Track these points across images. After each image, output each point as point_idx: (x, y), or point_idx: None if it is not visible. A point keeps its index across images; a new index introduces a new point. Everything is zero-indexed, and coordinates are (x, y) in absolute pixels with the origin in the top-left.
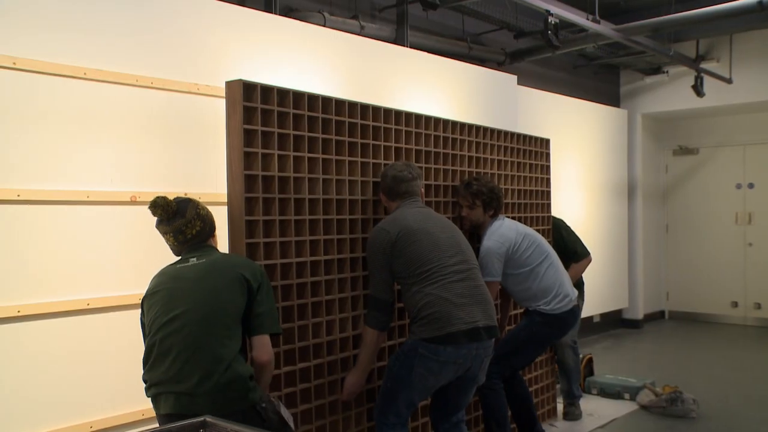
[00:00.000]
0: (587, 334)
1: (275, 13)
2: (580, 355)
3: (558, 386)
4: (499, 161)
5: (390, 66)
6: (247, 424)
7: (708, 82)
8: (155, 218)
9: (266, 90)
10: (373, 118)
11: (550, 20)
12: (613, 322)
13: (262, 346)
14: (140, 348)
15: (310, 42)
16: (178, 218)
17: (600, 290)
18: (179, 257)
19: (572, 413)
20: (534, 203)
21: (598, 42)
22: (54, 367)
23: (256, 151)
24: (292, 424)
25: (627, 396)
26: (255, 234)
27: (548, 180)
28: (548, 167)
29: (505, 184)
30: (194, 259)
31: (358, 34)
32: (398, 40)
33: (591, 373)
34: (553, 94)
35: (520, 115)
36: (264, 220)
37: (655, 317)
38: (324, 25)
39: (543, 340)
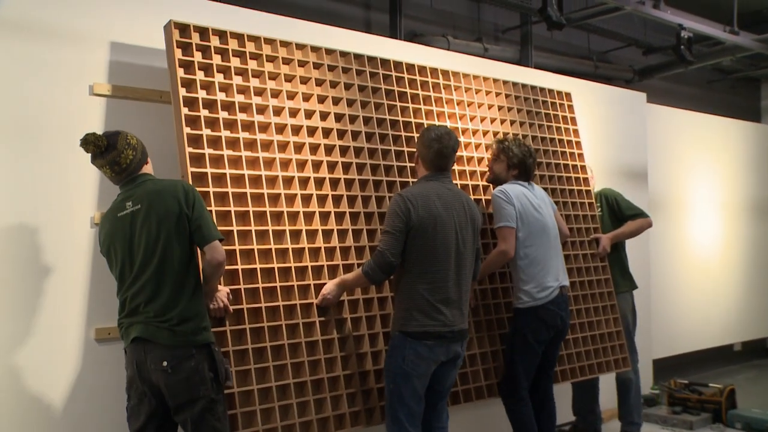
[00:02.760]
0: (727, 363)
1: (400, 39)
2: (720, 386)
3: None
4: (508, 108)
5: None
6: (201, 361)
7: None
8: (89, 155)
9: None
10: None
11: (683, 34)
12: (757, 351)
13: (216, 250)
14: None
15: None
16: (111, 150)
17: (740, 317)
18: (117, 195)
19: None
20: (560, 151)
21: (737, 54)
22: None
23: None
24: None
25: None
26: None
27: (576, 131)
28: (573, 118)
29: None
30: (130, 203)
31: (482, 56)
32: (522, 60)
33: (733, 405)
34: (685, 111)
35: (650, 134)
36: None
37: None
38: (448, 49)
39: (533, 342)
